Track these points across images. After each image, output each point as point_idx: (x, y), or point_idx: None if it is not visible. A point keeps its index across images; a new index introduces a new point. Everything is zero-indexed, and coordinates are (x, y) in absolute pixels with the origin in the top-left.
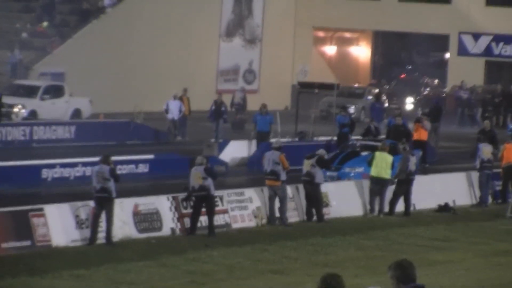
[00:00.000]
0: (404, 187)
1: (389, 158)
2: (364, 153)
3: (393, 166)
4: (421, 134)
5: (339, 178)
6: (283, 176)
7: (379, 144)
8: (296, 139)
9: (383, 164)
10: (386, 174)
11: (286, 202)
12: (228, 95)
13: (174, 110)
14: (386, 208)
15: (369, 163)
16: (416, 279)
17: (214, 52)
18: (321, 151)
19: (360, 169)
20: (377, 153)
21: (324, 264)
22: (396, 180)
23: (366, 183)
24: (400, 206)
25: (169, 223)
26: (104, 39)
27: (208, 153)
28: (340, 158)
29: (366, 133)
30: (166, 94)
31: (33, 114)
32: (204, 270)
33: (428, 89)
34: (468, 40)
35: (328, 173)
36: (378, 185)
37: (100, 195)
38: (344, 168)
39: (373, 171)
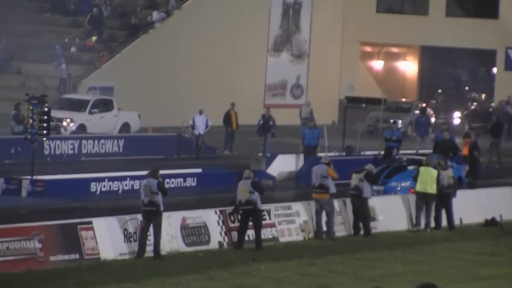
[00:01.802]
0: (441, 201)
1: (434, 172)
2: (410, 168)
3: (438, 181)
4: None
5: (385, 192)
6: (333, 189)
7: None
8: (343, 153)
9: (428, 179)
10: (432, 189)
11: (333, 216)
12: (276, 110)
13: (200, 125)
14: (433, 223)
15: (415, 178)
16: None
17: (261, 67)
18: (369, 166)
19: (406, 183)
20: (422, 168)
21: (371, 279)
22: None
23: (412, 198)
24: (444, 221)
25: (216, 236)
26: (153, 53)
27: (255, 167)
28: (387, 172)
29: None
30: (214, 109)
31: (82, 128)
32: (251, 283)
33: (475, 104)
34: None
35: (375, 187)
36: (423, 200)
37: (148, 208)
38: (390, 182)
39: (419, 186)
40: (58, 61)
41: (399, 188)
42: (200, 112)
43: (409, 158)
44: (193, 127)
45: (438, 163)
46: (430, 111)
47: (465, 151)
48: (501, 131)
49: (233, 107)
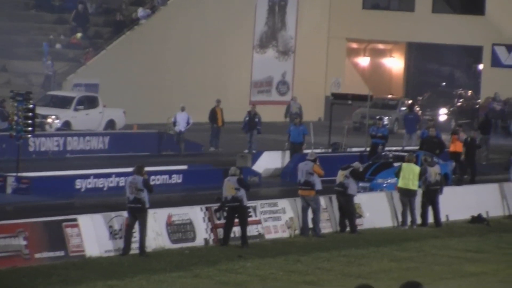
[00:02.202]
0: (428, 197)
1: (416, 169)
2: (396, 164)
3: (425, 178)
4: (457, 146)
5: (371, 189)
6: (319, 186)
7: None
8: (329, 150)
9: (410, 175)
10: (414, 185)
11: (319, 213)
12: (261, 106)
13: (182, 122)
14: (419, 220)
15: (397, 174)
16: None
17: (247, 63)
18: (356, 164)
19: (392, 180)
20: (404, 165)
21: (357, 276)
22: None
23: (396, 194)
24: (431, 218)
25: (202, 233)
26: (138, 50)
27: (241, 164)
28: (373, 169)
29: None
30: (200, 105)
31: (67, 125)
32: (237, 281)
33: (461, 100)
34: (501, 52)
35: (361, 184)
36: (406, 197)
37: (134, 205)
38: (376, 179)
39: (401, 183)
40: (45, 57)
41: (385, 184)
42: (182, 109)
43: (395, 155)
44: (174, 124)
45: (425, 160)
46: (416, 107)
47: (452, 147)
48: (490, 128)
49: (218, 103)
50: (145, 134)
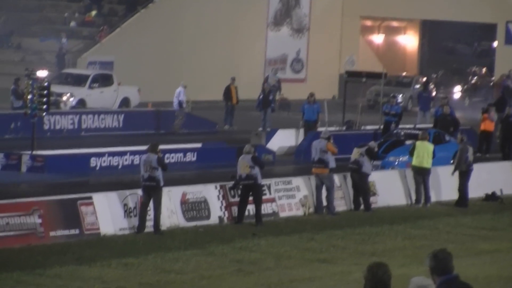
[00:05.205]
0: (463, 176)
1: (430, 147)
2: (408, 142)
3: (434, 155)
4: (487, 125)
5: (383, 167)
6: (332, 164)
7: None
8: (344, 128)
9: (424, 153)
10: (428, 163)
11: (333, 191)
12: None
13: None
14: (433, 198)
15: (411, 153)
16: (453, 271)
17: (261, 41)
18: (372, 143)
19: (404, 158)
20: (418, 143)
21: (371, 253)
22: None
23: (409, 172)
24: (450, 196)
25: (217, 211)
26: (152, 28)
27: (255, 142)
28: (385, 146)
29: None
30: (214, 83)
31: (81, 103)
32: (251, 258)
33: (475, 78)
34: None
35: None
36: (420, 175)
37: (148, 183)
38: (388, 157)
39: (415, 161)
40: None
41: (396, 162)
42: (185, 87)
43: (406, 133)
44: (181, 103)
45: (462, 140)
46: (431, 85)
47: (482, 126)
48: (505, 106)
49: (233, 81)
50: (158, 112)
